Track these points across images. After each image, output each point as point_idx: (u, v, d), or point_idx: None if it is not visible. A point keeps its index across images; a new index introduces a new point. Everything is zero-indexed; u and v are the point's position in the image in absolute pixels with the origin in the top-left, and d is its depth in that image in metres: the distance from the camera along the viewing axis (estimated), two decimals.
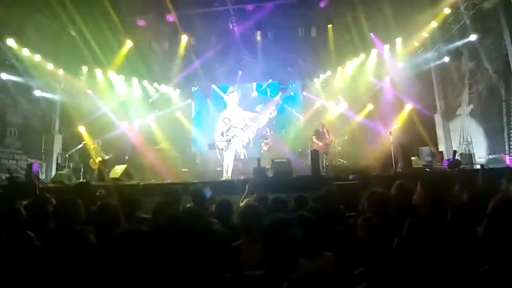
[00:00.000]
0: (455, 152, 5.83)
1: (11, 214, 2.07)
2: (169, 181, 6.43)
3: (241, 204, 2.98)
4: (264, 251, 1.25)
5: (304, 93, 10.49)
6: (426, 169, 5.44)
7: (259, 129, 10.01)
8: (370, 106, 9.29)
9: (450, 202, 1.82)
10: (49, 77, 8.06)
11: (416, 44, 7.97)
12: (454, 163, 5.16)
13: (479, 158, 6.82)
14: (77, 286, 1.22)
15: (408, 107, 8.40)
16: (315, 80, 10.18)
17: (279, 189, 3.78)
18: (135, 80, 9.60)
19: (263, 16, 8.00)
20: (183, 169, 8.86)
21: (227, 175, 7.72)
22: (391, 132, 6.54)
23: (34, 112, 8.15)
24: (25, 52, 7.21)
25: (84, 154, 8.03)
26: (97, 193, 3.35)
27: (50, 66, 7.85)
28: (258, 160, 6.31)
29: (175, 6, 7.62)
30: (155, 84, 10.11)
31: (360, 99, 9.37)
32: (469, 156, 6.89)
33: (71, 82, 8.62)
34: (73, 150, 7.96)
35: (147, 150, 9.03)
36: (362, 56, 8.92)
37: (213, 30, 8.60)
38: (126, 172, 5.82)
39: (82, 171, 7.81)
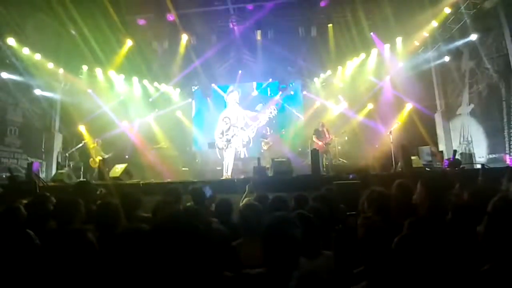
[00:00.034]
0: (455, 151, 5.83)
1: (12, 213, 2.07)
2: (169, 180, 6.43)
3: (242, 204, 2.98)
4: (264, 250, 1.25)
5: (304, 92, 10.49)
6: (426, 169, 5.44)
7: (259, 129, 10.01)
8: (370, 106, 9.29)
9: (450, 201, 1.82)
10: (49, 76, 8.06)
11: (417, 43, 7.96)
12: (454, 162, 5.16)
13: (479, 157, 6.82)
14: (77, 285, 1.22)
15: (408, 106, 8.40)
16: (315, 79, 10.18)
17: (279, 188, 3.78)
18: (135, 79, 9.60)
19: (263, 15, 7.99)
20: (183, 168, 8.87)
21: (227, 174, 7.72)
22: (391, 131, 6.54)
23: (34, 111, 8.15)
24: (25, 51, 7.21)
25: (84, 153, 8.03)
26: (98, 192, 3.36)
27: (50, 65, 7.85)
28: (258, 159, 6.31)
29: (175, 5, 7.61)
30: (155, 83, 10.11)
31: (360, 99, 9.37)
32: (469, 156, 6.90)
33: (71, 81, 8.61)
34: (73, 149, 7.96)
35: (147, 149, 9.04)
36: (362, 55, 8.91)
37: (213, 29, 8.58)
38: (126, 171, 5.82)
39: (82, 170, 7.82)
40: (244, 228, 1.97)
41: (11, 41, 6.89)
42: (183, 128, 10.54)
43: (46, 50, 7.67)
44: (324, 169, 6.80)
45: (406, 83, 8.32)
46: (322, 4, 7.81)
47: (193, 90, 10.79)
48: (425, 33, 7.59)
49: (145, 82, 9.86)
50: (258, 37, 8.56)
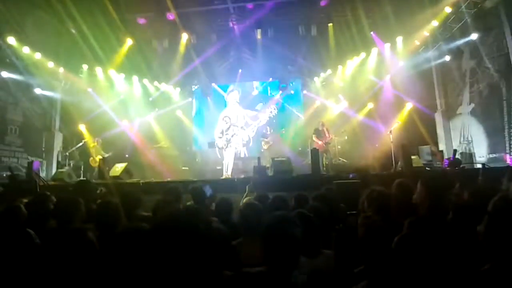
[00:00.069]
0: (455, 151, 5.82)
1: (12, 212, 2.08)
2: (169, 179, 6.43)
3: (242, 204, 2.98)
4: (265, 249, 1.25)
5: (304, 91, 10.48)
6: (427, 168, 5.44)
7: (259, 128, 10.01)
8: (370, 105, 9.28)
9: (451, 201, 1.82)
10: (49, 75, 8.05)
11: (417, 43, 7.94)
12: (454, 162, 5.16)
13: (480, 157, 6.82)
14: (77, 284, 1.22)
15: (409, 106, 8.39)
16: (315, 78, 10.17)
17: (279, 188, 3.78)
18: (135, 78, 9.59)
19: (263, 14, 7.97)
20: (183, 168, 8.88)
21: (227, 173, 7.72)
22: (391, 131, 6.53)
23: (34, 110, 8.15)
24: (26, 50, 7.20)
25: (84, 152, 8.04)
26: (98, 191, 3.36)
27: (50, 64, 7.85)
28: (258, 158, 6.31)
29: (175, 4, 7.59)
30: (155, 83, 10.10)
31: (360, 98, 9.36)
32: (470, 155, 6.90)
33: (71, 80, 8.61)
34: (74, 148, 7.97)
35: (147, 148, 9.04)
36: (363, 54, 8.90)
37: (213, 28, 8.57)
38: (126, 170, 5.82)
39: (82, 169, 7.83)
40: (244, 228, 1.97)
41: (11, 40, 6.88)
42: (183, 127, 10.54)
43: (46, 49, 7.66)
44: (324, 168, 6.80)
45: (407, 82, 8.31)
46: (322, 3, 7.79)
47: (193, 89, 10.78)
48: (425, 33, 7.58)
49: (145, 81, 9.85)
50: (258, 36, 8.54)
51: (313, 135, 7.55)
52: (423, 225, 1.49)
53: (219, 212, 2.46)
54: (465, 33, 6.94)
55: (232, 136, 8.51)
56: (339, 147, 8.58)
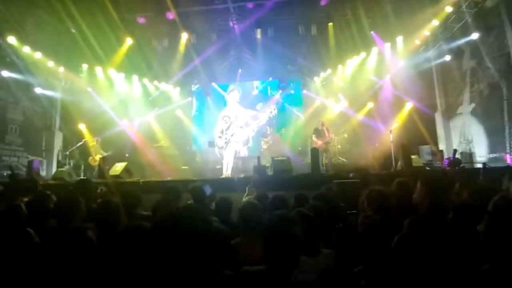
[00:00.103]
0: (455, 150, 5.82)
1: (12, 211, 2.08)
2: (169, 178, 6.43)
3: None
4: (265, 248, 1.25)
5: (304, 91, 10.47)
6: (426, 168, 5.44)
7: (259, 128, 10.01)
8: (370, 105, 9.27)
9: (451, 201, 1.82)
10: (49, 74, 8.05)
11: (417, 42, 7.93)
12: (454, 161, 5.16)
13: (480, 157, 6.81)
14: (77, 283, 1.23)
15: (409, 105, 8.38)
16: (315, 78, 10.16)
17: (279, 187, 3.78)
18: (135, 77, 9.59)
19: (263, 13, 7.96)
20: (183, 167, 8.88)
21: (227, 173, 7.73)
22: (391, 130, 6.53)
23: (34, 109, 8.16)
24: (26, 49, 7.21)
25: (85, 151, 8.05)
26: (98, 191, 3.36)
27: (50, 63, 7.85)
28: (258, 158, 6.31)
29: (175, 4, 7.58)
30: (155, 82, 10.10)
31: (360, 98, 9.35)
32: (470, 155, 6.89)
33: (71, 80, 8.61)
34: (74, 148, 7.97)
35: (147, 147, 9.04)
36: (363, 54, 8.88)
37: (213, 27, 8.56)
38: (126, 170, 5.82)
39: (82, 168, 7.83)
40: (243, 227, 1.97)
41: (11, 39, 6.88)
42: (183, 127, 10.54)
43: (46, 48, 7.67)
44: (324, 168, 6.80)
45: (407, 82, 8.30)
46: (323, 2, 7.78)
47: (193, 89, 10.77)
48: (426, 32, 7.56)
49: (145, 80, 9.85)
50: (258, 36, 8.54)
51: (313, 135, 7.55)
52: (423, 224, 1.50)
53: (218, 212, 2.46)
54: (465, 32, 6.93)
55: (232, 135, 8.52)
56: (339, 146, 8.57)
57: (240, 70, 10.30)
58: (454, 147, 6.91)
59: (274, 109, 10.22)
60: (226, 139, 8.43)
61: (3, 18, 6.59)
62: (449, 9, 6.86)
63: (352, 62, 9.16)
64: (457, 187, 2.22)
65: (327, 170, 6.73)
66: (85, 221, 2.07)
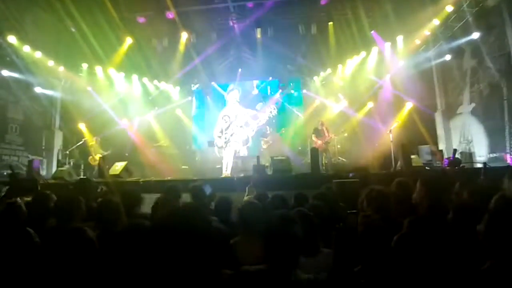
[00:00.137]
0: (455, 150, 5.82)
1: (12, 211, 2.08)
2: (168, 178, 6.44)
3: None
4: (266, 247, 1.25)
5: (304, 91, 10.46)
6: (426, 168, 5.44)
7: (259, 128, 10.01)
8: (370, 104, 9.26)
9: (451, 200, 1.82)
10: (49, 74, 8.05)
11: (418, 42, 7.92)
12: (454, 161, 5.16)
13: (480, 156, 6.81)
14: (77, 282, 1.23)
15: (409, 105, 8.38)
16: (315, 78, 10.15)
17: (278, 187, 3.78)
18: (135, 77, 9.58)
19: (263, 13, 7.95)
20: (182, 167, 8.88)
21: (226, 172, 7.73)
22: (391, 130, 6.52)
23: (35, 109, 8.16)
24: (26, 49, 7.20)
25: (84, 151, 8.05)
26: (98, 190, 3.37)
27: (50, 63, 7.85)
28: (258, 157, 6.31)
29: (175, 3, 7.57)
30: (155, 81, 10.09)
31: (360, 97, 9.34)
32: (470, 155, 6.89)
33: (71, 79, 8.61)
34: (74, 147, 7.97)
35: (147, 147, 9.04)
36: (363, 53, 8.87)
37: (213, 27, 8.55)
38: (126, 169, 5.83)
39: (82, 167, 7.84)
40: (243, 226, 1.97)
41: (11, 38, 6.88)
42: (183, 126, 10.53)
43: (46, 47, 7.66)
44: (324, 167, 6.81)
45: (407, 81, 8.29)
46: (323, 1, 7.76)
47: (193, 88, 10.77)
48: (426, 32, 7.55)
49: (145, 80, 9.84)
50: (258, 35, 8.53)
51: (313, 135, 7.55)
52: (422, 224, 1.50)
53: (218, 211, 2.46)
54: (466, 32, 6.91)
55: (232, 135, 8.52)
56: (338, 146, 8.57)
57: (240, 70, 10.29)
58: (454, 147, 6.90)
59: (274, 109, 10.22)
60: (225, 138, 8.44)
61: (3, 17, 6.58)
62: (449, 8, 6.84)
63: (352, 62, 9.14)
64: (457, 187, 2.22)
65: (327, 170, 6.73)
66: (85, 220, 2.07)
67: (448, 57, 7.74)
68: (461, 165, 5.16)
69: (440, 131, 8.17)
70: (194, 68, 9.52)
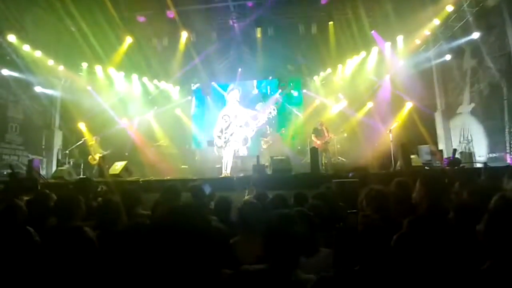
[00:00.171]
0: (455, 150, 5.83)
1: (12, 210, 2.08)
2: (168, 177, 6.44)
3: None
4: (266, 247, 1.25)
5: (304, 90, 10.46)
6: (426, 168, 5.45)
7: (259, 127, 10.01)
8: (370, 104, 9.26)
9: (451, 200, 1.82)
10: (49, 73, 8.05)
11: (418, 42, 7.91)
12: (454, 161, 5.16)
13: (479, 156, 6.81)
14: (77, 281, 1.23)
15: (408, 105, 8.38)
16: (315, 77, 10.14)
17: (278, 186, 3.78)
18: (134, 76, 9.58)
19: (263, 12, 7.94)
20: (182, 166, 8.88)
21: (226, 172, 7.73)
22: (391, 130, 6.52)
23: (34, 108, 8.16)
24: (26, 48, 7.19)
25: (84, 150, 8.05)
26: (98, 189, 3.37)
27: (50, 62, 7.84)
28: (258, 157, 6.32)
29: (175, 2, 7.57)
30: (155, 81, 10.09)
31: (360, 97, 9.34)
32: (469, 155, 6.89)
33: (71, 78, 8.61)
34: (73, 147, 7.97)
35: (147, 146, 9.04)
36: (363, 53, 8.87)
37: (213, 26, 8.54)
38: (125, 169, 5.83)
39: (82, 167, 7.83)
40: (242, 226, 1.97)
41: (11, 38, 6.87)
42: (183, 125, 10.53)
43: (46, 47, 7.65)
44: (323, 167, 6.81)
45: (407, 81, 8.29)
46: (323, 1, 7.76)
47: (192, 88, 10.76)
48: (426, 31, 7.54)
49: (145, 79, 9.84)
50: (258, 35, 8.52)
51: (312, 135, 7.55)
52: (422, 224, 1.50)
53: (218, 211, 2.46)
54: (466, 32, 6.91)
55: (231, 135, 8.51)
56: (338, 146, 8.57)
57: (240, 69, 10.29)
58: (454, 147, 6.91)
59: (274, 109, 10.22)
60: (225, 138, 8.43)
61: (3, 16, 6.57)
62: (450, 8, 6.84)
63: (352, 62, 9.14)
64: (457, 186, 2.22)
65: (327, 170, 6.73)
66: (85, 219, 2.08)
67: (448, 57, 7.73)
68: (460, 165, 5.16)
69: (440, 131, 8.17)
70: (194, 68, 9.51)
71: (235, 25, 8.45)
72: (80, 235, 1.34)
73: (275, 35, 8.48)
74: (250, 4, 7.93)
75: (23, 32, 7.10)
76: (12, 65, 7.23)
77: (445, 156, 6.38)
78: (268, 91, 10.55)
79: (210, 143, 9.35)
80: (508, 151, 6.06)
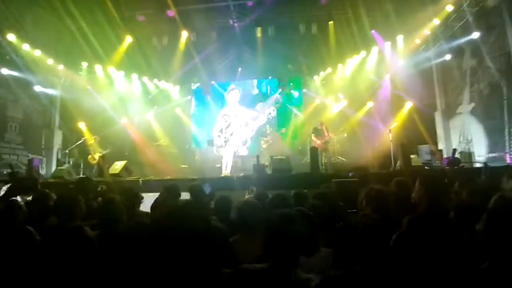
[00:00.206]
0: (454, 150, 5.82)
1: (12, 209, 2.08)
2: (168, 177, 6.44)
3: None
4: (267, 246, 1.25)
5: (304, 90, 10.45)
6: (425, 167, 5.45)
7: (259, 127, 10.01)
8: (370, 104, 9.26)
9: (451, 200, 1.83)
10: (49, 72, 8.04)
11: (418, 41, 7.91)
12: (453, 161, 5.17)
13: (479, 156, 6.82)
14: (77, 280, 1.23)
15: (408, 105, 8.38)
16: (315, 77, 10.14)
17: (278, 186, 3.79)
18: (134, 76, 9.57)
19: (264, 12, 7.94)
20: (182, 166, 8.88)
21: (226, 171, 7.73)
22: (391, 130, 6.53)
23: (34, 107, 8.15)
24: (25, 47, 7.19)
25: (84, 150, 8.04)
26: (98, 189, 3.37)
27: (50, 61, 7.83)
28: (257, 157, 6.31)
29: (175, 2, 7.56)
30: (155, 80, 10.08)
31: (360, 97, 9.33)
32: (469, 155, 6.90)
33: (71, 78, 8.60)
34: (73, 146, 7.97)
35: (147, 146, 9.04)
36: (363, 53, 8.86)
37: (213, 26, 8.54)
38: (125, 168, 5.83)
39: (82, 166, 7.83)
40: (241, 225, 1.97)
41: (11, 37, 6.86)
42: (183, 125, 10.52)
43: (46, 46, 7.65)
44: (323, 167, 6.81)
45: (407, 81, 8.29)
46: (323, 1, 7.76)
47: (192, 87, 10.76)
48: (426, 31, 7.55)
49: (145, 79, 9.83)
50: (258, 34, 8.51)
51: (312, 134, 7.55)
52: (421, 223, 1.50)
53: (218, 210, 2.46)
54: (466, 31, 6.91)
55: (231, 134, 8.51)
56: (338, 146, 8.57)
57: (240, 69, 10.28)
58: (454, 147, 6.91)
59: (274, 110, 10.21)
60: (225, 138, 8.42)
61: (3, 16, 6.57)
62: (450, 8, 6.84)
63: (352, 61, 9.14)
64: (456, 186, 2.22)
65: (327, 169, 6.73)
66: (85, 219, 2.08)
67: (448, 57, 7.74)
68: (460, 165, 5.17)
69: (439, 130, 8.17)
70: (194, 67, 9.50)
71: (235, 24, 8.44)
72: (80, 234, 1.34)
73: (275, 35, 8.47)
74: (250, 3, 7.93)
75: (22, 31, 7.09)
76: (12, 64, 7.22)
77: (445, 156, 6.38)
78: (268, 90, 10.55)
79: (210, 142, 9.35)
80: (507, 151, 6.07)
